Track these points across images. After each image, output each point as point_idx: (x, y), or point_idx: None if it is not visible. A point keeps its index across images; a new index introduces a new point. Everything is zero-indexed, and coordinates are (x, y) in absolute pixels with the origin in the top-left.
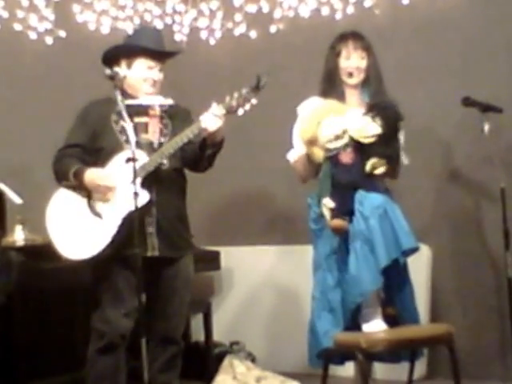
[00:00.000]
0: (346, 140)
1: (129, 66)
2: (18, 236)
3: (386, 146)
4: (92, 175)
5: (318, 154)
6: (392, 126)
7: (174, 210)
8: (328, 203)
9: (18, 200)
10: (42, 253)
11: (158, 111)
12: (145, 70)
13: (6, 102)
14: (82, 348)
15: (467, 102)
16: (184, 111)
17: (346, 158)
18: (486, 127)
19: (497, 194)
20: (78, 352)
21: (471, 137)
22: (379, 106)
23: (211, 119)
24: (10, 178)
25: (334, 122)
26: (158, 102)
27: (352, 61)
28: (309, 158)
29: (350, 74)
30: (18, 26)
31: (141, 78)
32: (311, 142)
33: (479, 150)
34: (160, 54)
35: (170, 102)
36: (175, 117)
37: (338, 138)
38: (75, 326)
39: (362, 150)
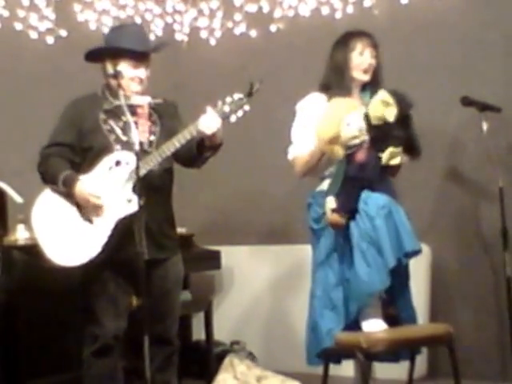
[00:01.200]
0: (364, 137)
1: (115, 66)
2: (20, 235)
3: (401, 129)
4: (83, 190)
5: (338, 152)
6: (405, 111)
7: (162, 212)
8: (330, 202)
9: (19, 199)
10: (43, 252)
11: (146, 109)
12: (130, 69)
13: (6, 101)
14: (82, 346)
15: (466, 101)
16: (171, 106)
17: (361, 155)
18: (485, 126)
19: (495, 193)
20: (81, 350)
21: (470, 136)
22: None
23: (209, 122)
24: (10, 178)
25: (356, 118)
26: (147, 101)
27: (365, 57)
28: (315, 154)
29: (366, 71)
30: (18, 26)
31: (128, 76)
32: (332, 141)
33: (478, 150)
34: (146, 53)
35: (159, 101)
36: (163, 113)
37: (361, 133)
38: (76, 324)
39: (378, 139)
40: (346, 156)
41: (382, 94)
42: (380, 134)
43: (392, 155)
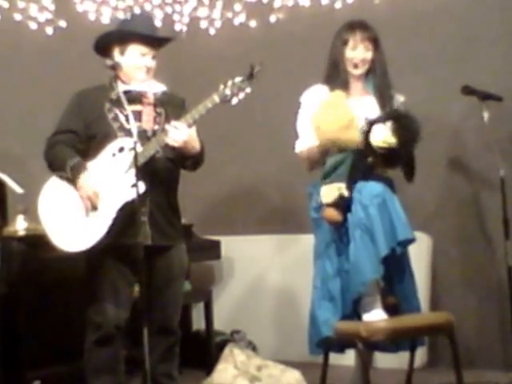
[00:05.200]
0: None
1: (122, 53)
2: (20, 226)
3: (394, 159)
4: (86, 183)
5: (354, 137)
6: (407, 147)
7: (166, 199)
8: (343, 190)
9: (18, 189)
10: (43, 242)
11: (151, 99)
12: (138, 56)
13: (6, 92)
14: (83, 337)
15: (467, 90)
16: (178, 100)
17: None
18: (486, 116)
19: (497, 182)
20: (80, 341)
21: (471, 125)
22: (402, 123)
23: (175, 134)
24: (10, 168)
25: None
26: (151, 87)
27: (358, 52)
28: (319, 149)
29: (356, 66)
30: (18, 16)
31: (134, 65)
32: (348, 126)
33: (479, 139)
34: (153, 40)
35: (163, 87)
36: (169, 105)
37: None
38: (77, 314)
39: (368, 149)
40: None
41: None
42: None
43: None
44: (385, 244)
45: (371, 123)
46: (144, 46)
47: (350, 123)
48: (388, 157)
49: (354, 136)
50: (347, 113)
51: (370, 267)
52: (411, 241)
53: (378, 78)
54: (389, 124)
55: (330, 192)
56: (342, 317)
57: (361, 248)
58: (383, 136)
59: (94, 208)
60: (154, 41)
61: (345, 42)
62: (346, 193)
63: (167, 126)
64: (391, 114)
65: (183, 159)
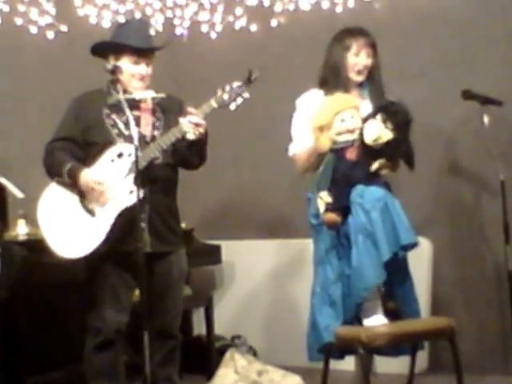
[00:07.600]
0: (355, 136)
1: (117, 61)
2: (20, 230)
3: (396, 148)
4: (87, 178)
5: (324, 142)
6: (403, 131)
7: (165, 205)
8: (325, 197)
9: (19, 194)
10: (43, 247)
11: (150, 104)
12: (132, 65)
13: (6, 96)
14: (83, 342)
15: (467, 94)
16: (176, 102)
17: (351, 154)
18: (486, 120)
19: (497, 186)
20: (81, 346)
21: (471, 130)
22: (390, 110)
23: (188, 124)
24: (11, 172)
25: (351, 117)
26: (149, 96)
27: (361, 58)
28: (314, 150)
29: (359, 72)
30: (18, 20)
31: (128, 73)
32: (321, 129)
33: (479, 143)
34: (145, 50)
35: (161, 95)
36: (167, 109)
37: (349, 132)
38: (77, 319)
39: (369, 151)
40: (335, 152)
41: (377, 127)
42: (370, 148)
43: (381, 166)
44: (387, 248)
45: (363, 121)
46: (136, 56)
47: (324, 126)
48: (390, 148)
49: (323, 141)
50: (329, 116)
51: (373, 272)
52: (414, 245)
53: (376, 84)
54: (379, 117)
55: (320, 203)
56: (343, 322)
57: (363, 253)
58: (377, 131)
59: (104, 200)
60: (146, 50)
61: (347, 48)
62: (328, 198)
63: (181, 119)
64: (378, 107)
65: (189, 149)
